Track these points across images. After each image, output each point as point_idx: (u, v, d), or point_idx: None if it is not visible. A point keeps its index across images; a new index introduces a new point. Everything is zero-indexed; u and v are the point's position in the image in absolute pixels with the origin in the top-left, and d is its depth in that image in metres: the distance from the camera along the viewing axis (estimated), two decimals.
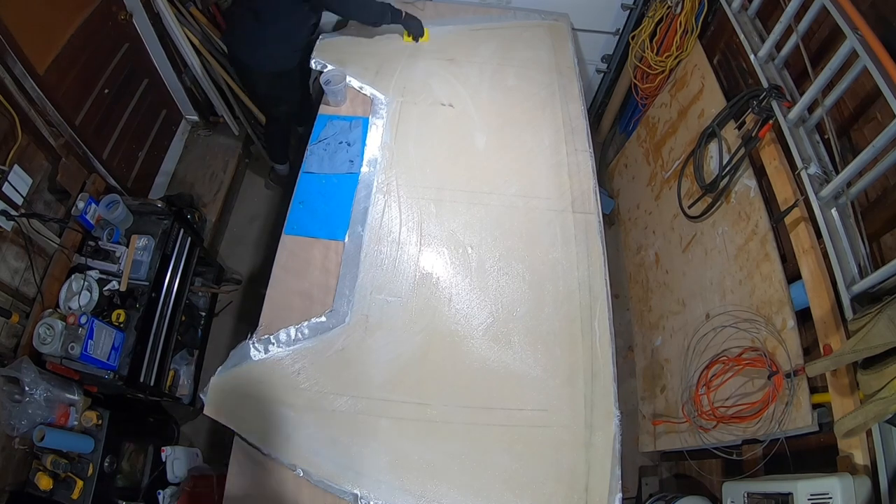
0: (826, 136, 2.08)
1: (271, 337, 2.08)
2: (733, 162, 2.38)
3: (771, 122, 2.24)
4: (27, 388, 2.09)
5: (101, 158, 2.77)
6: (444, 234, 2.36)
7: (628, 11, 3.26)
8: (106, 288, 2.44)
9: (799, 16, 2.18)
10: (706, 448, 2.25)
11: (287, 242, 2.32)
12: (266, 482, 1.89)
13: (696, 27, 2.88)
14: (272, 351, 2.07)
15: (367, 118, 2.67)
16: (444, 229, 2.37)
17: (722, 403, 2.18)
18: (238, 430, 1.92)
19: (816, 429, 1.85)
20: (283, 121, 3.41)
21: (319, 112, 2.70)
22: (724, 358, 2.23)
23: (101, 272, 2.47)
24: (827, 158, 2.07)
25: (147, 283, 2.51)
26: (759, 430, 2.00)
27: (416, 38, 3.01)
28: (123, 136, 3.01)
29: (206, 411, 1.95)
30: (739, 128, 2.42)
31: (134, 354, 2.38)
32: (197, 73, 3.29)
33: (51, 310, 2.34)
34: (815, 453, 1.86)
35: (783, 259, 2.13)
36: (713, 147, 2.57)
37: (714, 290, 2.46)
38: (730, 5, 2.63)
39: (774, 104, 2.23)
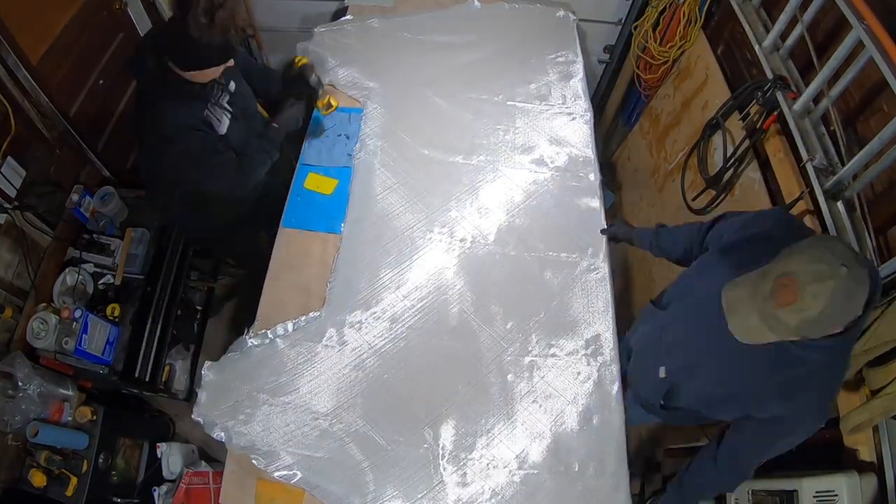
0: (832, 128, 2.05)
1: (268, 332, 2.05)
2: (738, 154, 2.35)
3: (776, 113, 2.20)
4: (20, 384, 2.08)
5: (95, 150, 2.73)
6: (444, 225, 2.33)
7: (631, 1, 3.22)
8: (100, 282, 2.43)
9: (804, 5, 2.15)
10: None
11: (285, 236, 2.29)
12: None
13: (700, 17, 2.84)
14: (269, 346, 2.04)
15: (363, 109, 2.63)
16: (444, 220, 2.34)
17: None
18: (229, 438, 1.88)
19: (822, 425, 1.82)
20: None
21: None
22: None
23: (96, 265, 2.46)
24: (832, 150, 2.05)
25: (142, 277, 2.49)
26: None
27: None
28: (119, 128, 2.97)
29: (195, 414, 1.91)
30: (744, 119, 2.38)
31: (129, 349, 2.37)
32: None
33: (44, 304, 2.32)
34: (821, 450, 1.83)
35: None
36: (717, 139, 2.54)
37: None
38: None
39: (779, 95, 2.19)
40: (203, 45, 1.76)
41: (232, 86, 2.12)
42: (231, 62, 1.91)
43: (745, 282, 1.31)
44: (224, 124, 2.07)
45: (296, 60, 2.51)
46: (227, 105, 2.08)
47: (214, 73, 1.90)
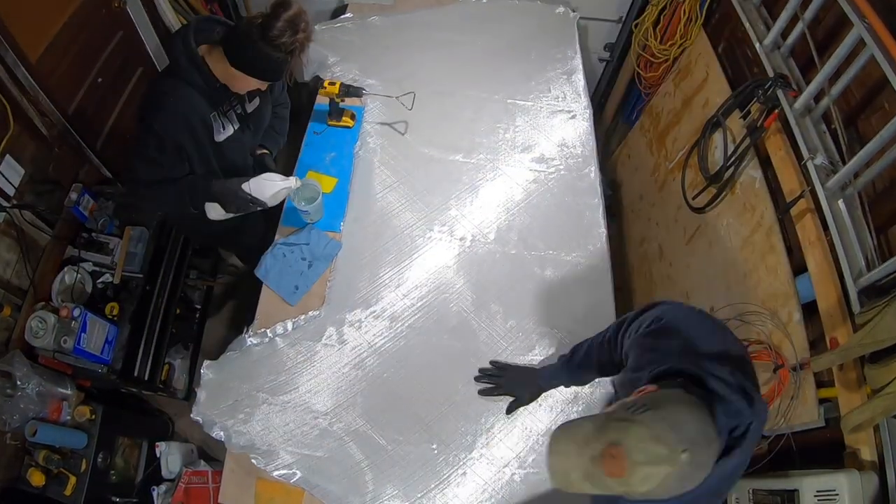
0: (833, 126, 2.04)
1: (268, 330, 2.05)
2: (738, 152, 2.34)
3: (777, 111, 2.19)
4: (19, 383, 2.06)
5: (94, 149, 2.72)
6: (444, 224, 2.33)
7: None
8: (99, 280, 2.42)
9: (805, 3, 2.14)
10: None
11: (284, 234, 2.28)
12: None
13: (701, 15, 2.83)
14: (268, 344, 2.04)
15: (363, 107, 2.62)
16: (444, 219, 2.34)
17: None
18: (228, 437, 1.89)
19: (823, 424, 1.81)
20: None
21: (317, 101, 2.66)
22: None
23: (95, 264, 2.44)
24: (833, 149, 2.03)
25: (141, 276, 2.48)
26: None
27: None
28: (118, 127, 2.95)
29: (194, 414, 1.91)
30: (745, 117, 2.38)
31: (128, 348, 2.36)
32: None
33: (43, 303, 2.31)
34: (822, 449, 1.83)
35: (789, 251, 2.10)
36: (718, 137, 2.53)
37: (718, 282, 2.43)
38: None
39: (780, 93, 2.19)
40: (263, 55, 1.68)
41: (253, 104, 2.03)
42: (265, 85, 1.82)
43: (579, 431, 1.13)
44: (226, 133, 1.96)
45: (326, 84, 2.44)
46: (235, 118, 1.98)
47: (248, 85, 1.80)
